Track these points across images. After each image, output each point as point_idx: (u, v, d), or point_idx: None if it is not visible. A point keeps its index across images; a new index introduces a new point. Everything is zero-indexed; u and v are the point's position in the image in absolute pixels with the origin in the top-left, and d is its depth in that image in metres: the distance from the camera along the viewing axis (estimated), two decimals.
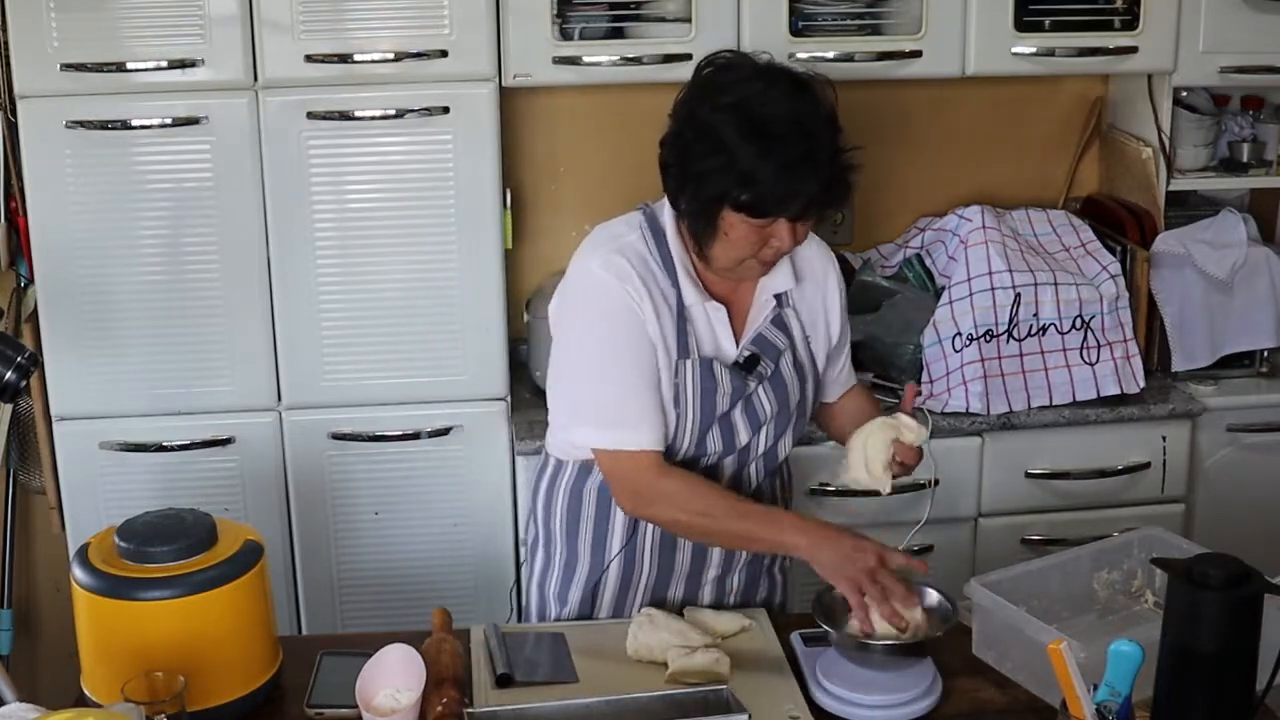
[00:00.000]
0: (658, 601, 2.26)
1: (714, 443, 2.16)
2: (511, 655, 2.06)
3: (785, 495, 2.35)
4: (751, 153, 1.96)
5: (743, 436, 2.17)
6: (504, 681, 2.00)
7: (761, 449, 2.20)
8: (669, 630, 2.08)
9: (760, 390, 2.16)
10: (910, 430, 2.11)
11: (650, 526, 2.20)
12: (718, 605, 2.27)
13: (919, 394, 2.20)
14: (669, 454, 2.14)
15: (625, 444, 2.10)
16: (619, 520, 2.22)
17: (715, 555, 2.25)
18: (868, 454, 2.10)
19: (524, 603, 2.44)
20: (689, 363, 2.11)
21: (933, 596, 2.08)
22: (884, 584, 2.00)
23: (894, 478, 2.12)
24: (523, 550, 3.01)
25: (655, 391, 2.10)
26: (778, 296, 2.18)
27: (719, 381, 2.12)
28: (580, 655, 2.09)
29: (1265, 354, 3.27)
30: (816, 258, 2.24)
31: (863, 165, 2.08)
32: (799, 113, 1.98)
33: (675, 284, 2.12)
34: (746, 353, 2.16)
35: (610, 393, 2.10)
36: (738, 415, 2.16)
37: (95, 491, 3.01)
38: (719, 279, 2.15)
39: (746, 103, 1.98)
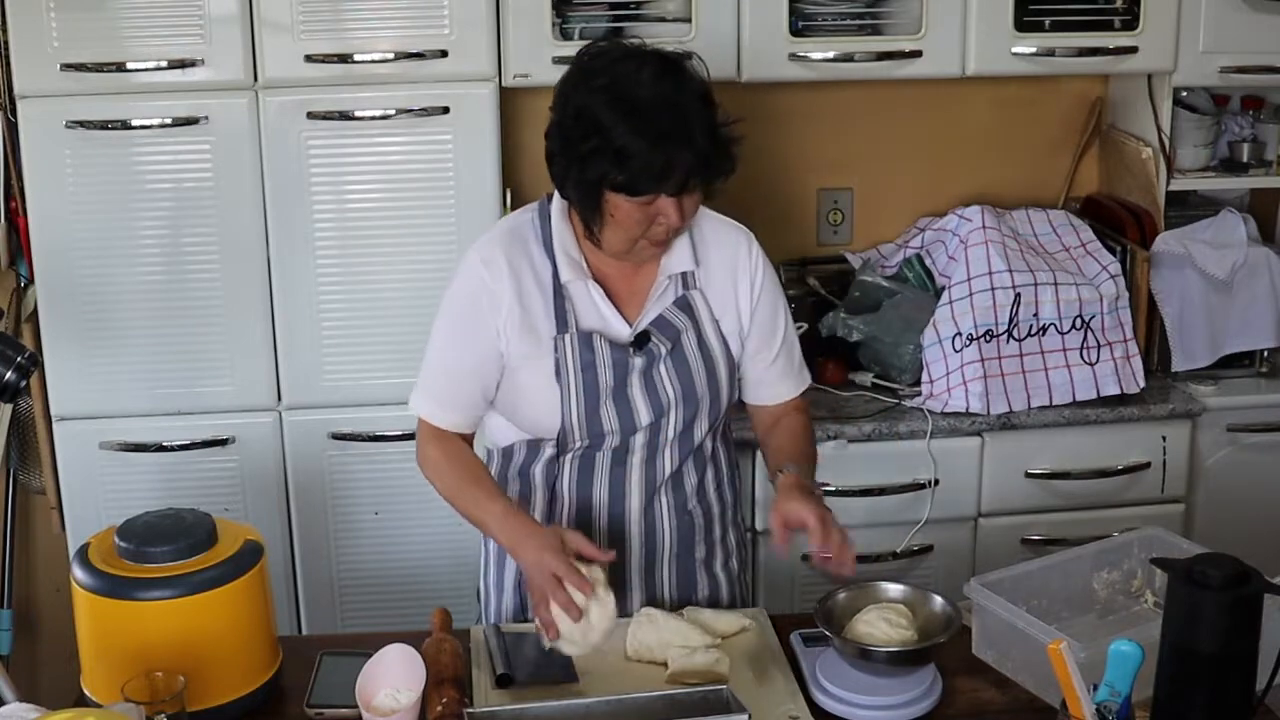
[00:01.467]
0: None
1: (609, 419, 2.16)
2: (511, 655, 2.06)
3: (721, 489, 2.32)
4: (623, 130, 2.00)
5: (643, 415, 2.17)
6: (504, 681, 2.00)
7: (672, 432, 2.20)
8: (669, 630, 2.08)
9: (660, 369, 2.17)
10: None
11: (564, 511, 2.23)
12: (651, 603, 2.25)
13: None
14: (565, 431, 2.16)
15: (420, 408, 2.25)
16: (538, 504, 2.25)
17: (633, 545, 2.25)
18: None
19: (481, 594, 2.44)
20: (567, 336, 2.15)
21: (936, 601, 2.08)
22: (561, 591, 1.96)
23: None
24: None
25: (466, 378, 2.19)
26: (682, 276, 2.19)
27: (598, 354, 2.14)
28: (580, 655, 2.09)
29: (1265, 354, 3.27)
30: (725, 239, 2.24)
31: (743, 138, 2.11)
32: (667, 89, 2.02)
33: (552, 262, 2.16)
34: (638, 330, 2.17)
35: (435, 362, 2.23)
36: (636, 393, 2.17)
37: (95, 491, 3.01)
38: (615, 262, 2.17)
39: (616, 82, 2.03)
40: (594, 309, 2.17)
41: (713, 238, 2.23)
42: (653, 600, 2.27)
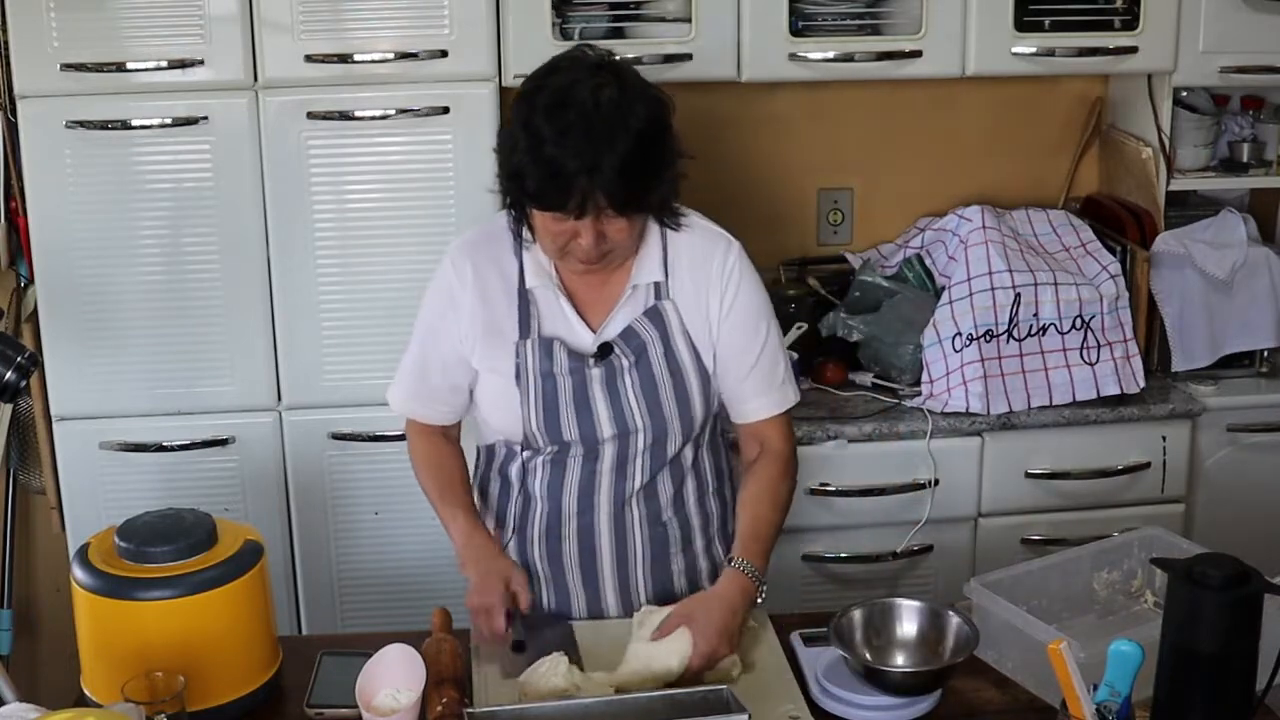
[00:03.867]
0: (563, 604, 2.25)
1: (569, 427, 2.15)
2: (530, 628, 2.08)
3: (704, 500, 2.28)
4: (523, 147, 1.98)
5: (605, 426, 2.15)
6: (519, 648, 2.02)
7: (642, 443, 2.17)
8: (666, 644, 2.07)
9: (626, 380, 2.15)
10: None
11: (537, 513, 2.23)
12: (627, 610, 2.22)
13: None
14: (526, 436, 2.18)
15: (391, 399, 2.31)
16: (513, 502, 2.26)
17: (604, 551, 2.22)
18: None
19: None
20: (529, 341, 2.15)
21: (953, 620, 2.06)
22: (486, 620, 2.07)
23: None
24: None
25: (433, 374, 2.23)
26: (655, 286, 2.16)
27: (556, 362, 2.14)
28: (584, 655, 2.08)
29: (1265, 354, 3.26)
30: (701, 248, 2.17)
31: (685, 175, 2.08)
32: (585, 110, 1.95)
33: (520, 265, 2.16)
34: (600, 340, 2.15)
35: (409, 357, 2.28)
36: (599, 404, 2.15)
37: (95, 491, 3.01)
38: (574, 269, 2.14)
39: (533, 94, 2.00)
40: (560, 315, 2.16)
41: (688, 246, 2.17)
42: (629, 611, 2.20)
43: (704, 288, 2.17)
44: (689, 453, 2.24)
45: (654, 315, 2.16)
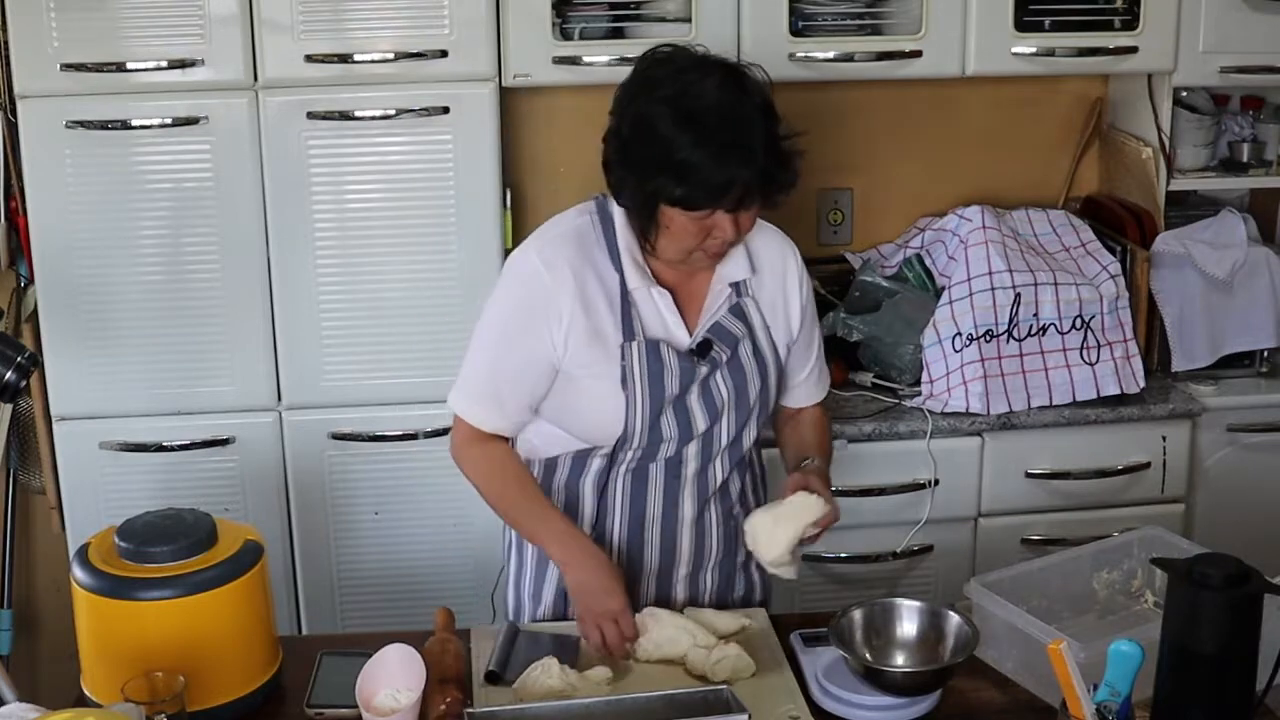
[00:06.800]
0: (631, 600, 2.25)
1: (669, 427, 2.16)
2: (512, 654, 2.05)
3: (757, 491, 2.34)
4: (685, 143, 1.98)
5: (700, 423, 2.17)
6: (492, 678, 2.00)
7: (725, 440, 2.20)
8: (674, 627, 2.07)
9: (717, 376, 2.17)
10: (814, 514, 2.10)
11: (616, 521, 2.22)
12: (693, 603, 2.26)
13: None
14: (624, 438, 2.15)
15: (460, 408, 2.20)
16: (585, 517, 2.23)
17: (684, 553, 2.25)
18: (776, 537, 2.11)
19: (504, 603, 2.42)
20: (634, 344, 2.13)
21: (953, 620, 2.06)
22: (615, 628, 2.05)
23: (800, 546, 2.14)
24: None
25: (513, 383, 2.15)
26: (735, 285, 2.18)
27: (665, 363, 2.13)
28: (587, 657, 2.08)
29: (1265, 354, 3.26)
30: (774, 248, 2.24)
31: (805, 152, 2.09)
32: (730, 101, 2.00)
33: (619, 269, 2.13)
34: (700, 338, 2.16)
35: (480, 363, 2.19)
36: (694, 400, 2.16)
37: (95, 491, 3.01)
38: (672, 268, 2.16)
39: (680, 94, 2.00)
40: (658, 316, 2.15)
41: (762, 245, 2.22)
42: (694, 601, 2.26)
43: (781, 285, 2.23)
44: (751, 448, 2.28)
45: (738, 312, 2.19)
